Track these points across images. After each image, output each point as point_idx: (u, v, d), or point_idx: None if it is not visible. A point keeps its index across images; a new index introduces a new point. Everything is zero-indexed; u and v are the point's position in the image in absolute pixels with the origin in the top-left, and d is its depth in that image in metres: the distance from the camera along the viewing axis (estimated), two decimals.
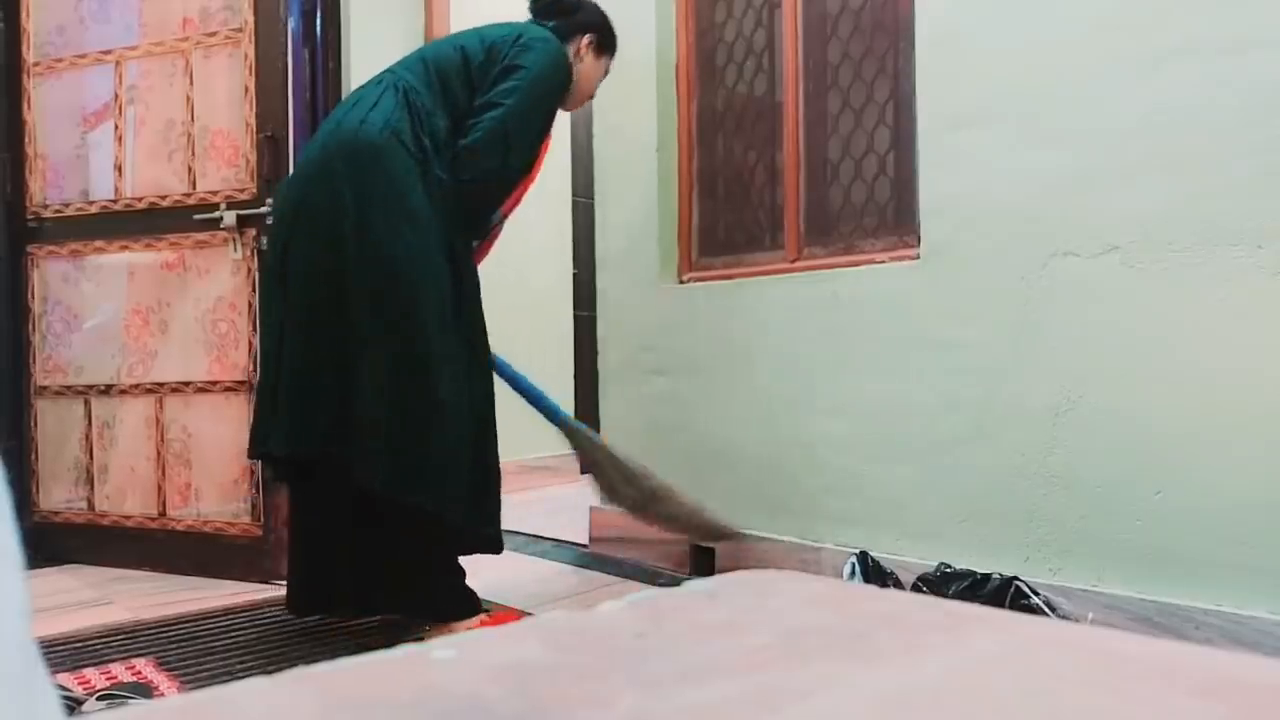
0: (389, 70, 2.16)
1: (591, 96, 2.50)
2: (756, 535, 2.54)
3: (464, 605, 2.12)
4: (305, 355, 2.01)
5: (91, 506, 2.89)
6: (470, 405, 2.04)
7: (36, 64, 2.95)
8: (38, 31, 2.95)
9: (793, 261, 2.56)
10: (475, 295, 2.13)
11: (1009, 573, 1.90)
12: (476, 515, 2.06)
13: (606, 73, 2.45)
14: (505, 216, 2.30)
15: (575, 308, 4.46)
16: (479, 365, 2.11)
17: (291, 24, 3.57)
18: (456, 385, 2.00)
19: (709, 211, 2.84)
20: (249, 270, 2.67)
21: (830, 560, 2.36)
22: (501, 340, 2.27)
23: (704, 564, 2.66)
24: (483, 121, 2.07)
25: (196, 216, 2.71)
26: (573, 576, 2.74)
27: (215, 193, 2.71)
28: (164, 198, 2.78)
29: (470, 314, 2.10)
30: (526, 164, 2.18)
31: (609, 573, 2.74)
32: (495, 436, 2.14)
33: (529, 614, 2.18)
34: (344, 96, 3.72)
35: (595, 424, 3.09)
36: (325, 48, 3.74)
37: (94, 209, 2.88)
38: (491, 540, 2.16)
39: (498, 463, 2.15)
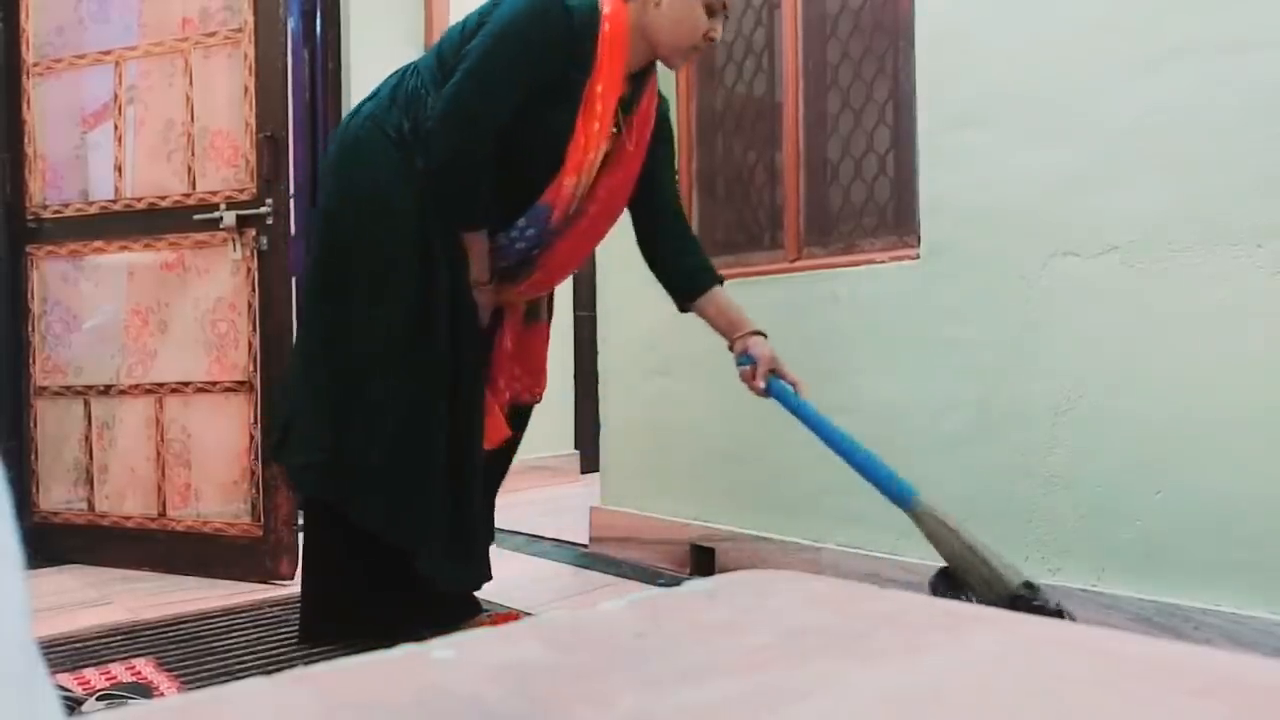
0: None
1: (707, 38, 1.95)
2: (756, 535, 2.54)
3: (446, 612, 2.03)
4: (290, 360, 2.00)
5: (91, 507, 2.89)
6: (438, 418, 1.88)
7: (36, 64, 2.95)
8: (37, 32, 2.95)
9: (792, 261, 2.56)
10: (456, 298, 1.90)
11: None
12: (403, 531, 1.89)
13: (716, 10, 1.93)
14: (552, 222, 1.94)
15: (575, 308, 4.45)
16: (462, 377, 1.92)
17: (291, 24, 3.58)
18: (404, 392, 1.87)
19: (709, 211, 2.84)
20: (249, 270, 2.67)
21: (830, 560, 2.36)
22: None
23: (704, 564, 2.66)
24: (444, 93, 1.83)
25: (196, 217, 2.71)
26: (573, 576, 2.74)
27: (215, 193, 2.71)
28: (164, 198, 2.78)
29: (447, 319, 1.89)
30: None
31: (609, 573, 2.74)
32: (471, 454, 1.94)
33: (529, 614, 2.18)
34: (343, 97, 3.74)
35: (595, 424, 3.09)
36: (325, 48, 3.75)
37: (93, 209, 2.88)
38: (437, 561, 1.91)
39: (469, 487, 1.94)
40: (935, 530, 1.75)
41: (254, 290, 2.66)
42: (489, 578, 2.10)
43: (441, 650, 0.43)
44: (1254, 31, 1.71)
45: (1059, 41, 1.96)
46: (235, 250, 2.67)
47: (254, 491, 2.67)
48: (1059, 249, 1.96)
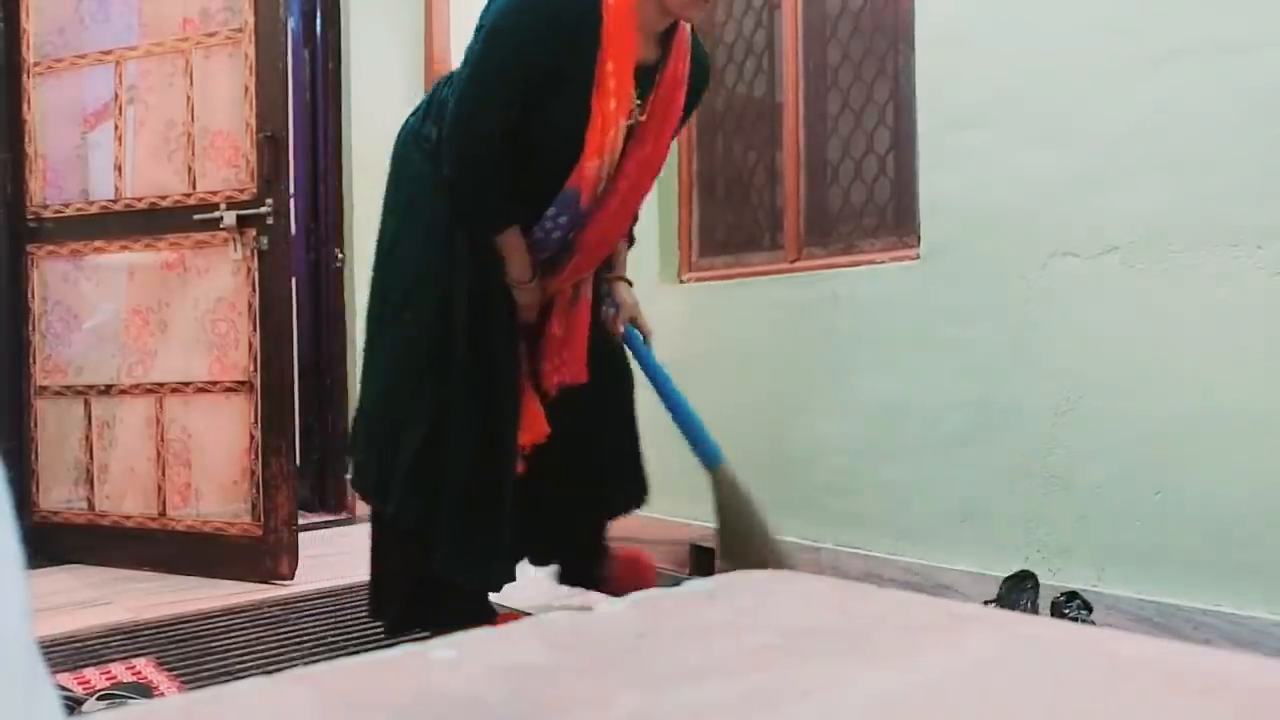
0: None
1: None
2: None
3: (460, 617, 1.96)
4: None
5: (91, 506, 2.89)
6: (465, 418, 1.89)
7: (36, 64, 2.95)
8: (38, 32, 2.95)
9: (792, 262, 2.56)
10: (479, 301, 1.90)
11: (1007, 573, 1.90)
12: (426, 531, 1.90)
13: None
14: (582, 205, 1.89)
15: None
16: (488, 379, 1.91)
17: (291, 24, 3.58)
18: (427, 395, 1.90)
19: (709, 212, 2.84)
20: (249, 270, 2.67)
21: (830, 560, 2.36)
22: None
23: (704, 564, 2.65)
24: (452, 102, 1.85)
25: (196, 216, 2.71)
26: None
27: (215, 193, 2.71)
28: (164, 198, 2.78)
29: (469, 322, 1.89)
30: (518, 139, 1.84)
31: None
32: (504, 455, 1.92)
33: (529, 614, 2.18)
34: (343, 97, 3.74)
35: None
36: (325, 48, 3.74)
37: (94, 209, 2.88)
38: (452, 559, 1.90)
39: (498, 485, 1.92)
40: (726, 493, 1.99)
41: (254, 290, 2.66)
42: (508, 580, 2.08)
43: (441, 650, 0.43)
44: (1254, 31, 1.71)
45: (1058, 42, 1.96)
46: (235, 250, 2.67)
47: (254, 491, 2.67)
48: (1059, 249, 1.96)
